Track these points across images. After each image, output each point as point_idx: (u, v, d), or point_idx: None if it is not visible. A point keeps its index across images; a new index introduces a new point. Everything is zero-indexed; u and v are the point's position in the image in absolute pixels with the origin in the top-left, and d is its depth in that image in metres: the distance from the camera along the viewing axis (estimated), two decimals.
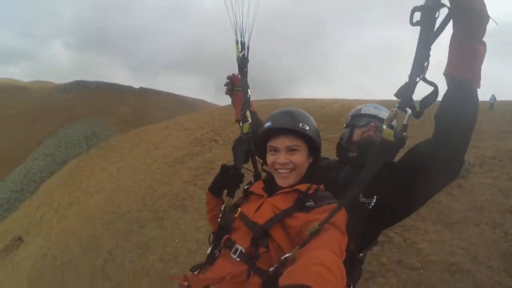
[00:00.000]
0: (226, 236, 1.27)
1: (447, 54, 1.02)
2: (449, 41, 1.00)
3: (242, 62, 1.79)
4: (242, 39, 1.78)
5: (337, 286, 0.80)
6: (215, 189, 1.52)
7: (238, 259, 1.16)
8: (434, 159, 1.06)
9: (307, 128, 1.28)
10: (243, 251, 1.17)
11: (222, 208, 1.45)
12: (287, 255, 1.05)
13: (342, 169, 1.54)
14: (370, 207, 1.30)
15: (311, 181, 1.31)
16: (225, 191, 1.51)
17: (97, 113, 46.93)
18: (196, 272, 1.34)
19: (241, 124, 1.69)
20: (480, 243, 4.97)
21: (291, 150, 1.27)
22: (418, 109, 1.03)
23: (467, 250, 4.89)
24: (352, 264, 1.31)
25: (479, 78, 1.00)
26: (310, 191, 1.24)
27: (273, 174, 1.33)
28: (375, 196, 1.29)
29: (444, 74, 1.03)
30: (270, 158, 1.31)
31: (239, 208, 1.32)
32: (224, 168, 1.53)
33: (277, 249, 1.13)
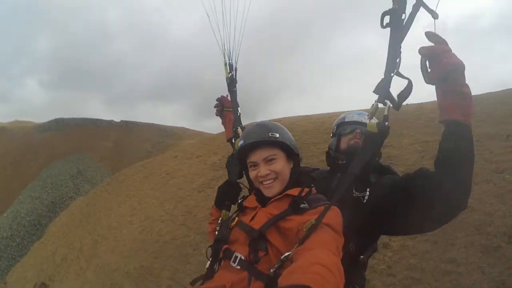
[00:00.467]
0: (224, 247, 1.31)
1: (437, 101, 1.09)
2: (434, 90, 1.08)
3: (231, 82, 1.90)
4: (230, 61, 1.87)
5: (337, 285, 0.80)
6: (217, 201, 1.62)
7: (238, 267, 1.19)
8: (435, 199, 1.09)
9: (277, 135, 1.33)
10: (243, 258, 1.21)
11: (219, 222, 1.51)
12: (286, 254, 1.09)
13: (334, 178, 1.58)
14: (365, 201, 1.36)
15: (298, 185, 1.35)
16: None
17: (79, 150, 45.73)
18: (198, 284, 1.35)
19: (233, 141, 1.78)
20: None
21: (268, 160, 1.33)
22: (396, 101, 1.08)
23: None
24: (354, 266, 1.36)
25: (470, 115, 1.06)
26: (303, 194, 1.28)
27: (259, 188, 1.38)
28: (368, 190, 1.35)
29: (439, 121, 1.10)
30: (252, 173, 1.38)
31: (236, 218, 1.40)
32: (225, 182, 1.63)
33: (276, 253, 1.16)
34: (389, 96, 1.09)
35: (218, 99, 2.04)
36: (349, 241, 1.20)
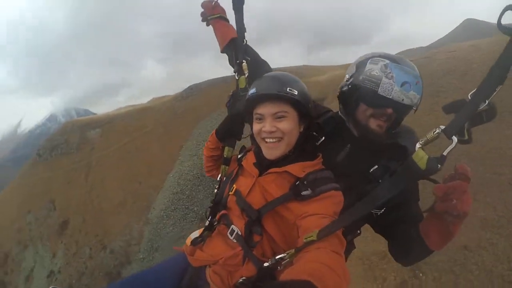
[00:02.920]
0: (222, 212, 1.29)
1: (425, 222, 1.09)
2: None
3: None
4: None
5: (340, 284, 0.80)
6: (222, 134, 1.48)
7: (235, 241, 1.19)
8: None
9: (296, 92, 1.19)
10: (239, 233, 1.18)
11: (217, 179, 1.46)
12: (282, 255, 1.07)
13: (340, 147, 1.36)
14: (375, 216, 1.30)
15: (303, 154, 1.25)
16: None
17: (218, 107, 48.52)
18: (197, 245, 1.34)
19: (237, 77, 1.55)
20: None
21: (278, 117, 1.20)
22: (466, 137, 0.82)
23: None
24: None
25: (443, 247, 1.06)
26: (308, 171, 1.18)
27: (260, 145, 1.27)
28: (384, 208, 1.27)
29: (418, 235, 1.10)
30: (256, 126, 1.25)
31: (234, 185, 1.30)
32: (234, 115, 1.46)
33: (269, 239, 1.16)
34: (461, 131, 0.83)
35: (202, 5, 1.75)
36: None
